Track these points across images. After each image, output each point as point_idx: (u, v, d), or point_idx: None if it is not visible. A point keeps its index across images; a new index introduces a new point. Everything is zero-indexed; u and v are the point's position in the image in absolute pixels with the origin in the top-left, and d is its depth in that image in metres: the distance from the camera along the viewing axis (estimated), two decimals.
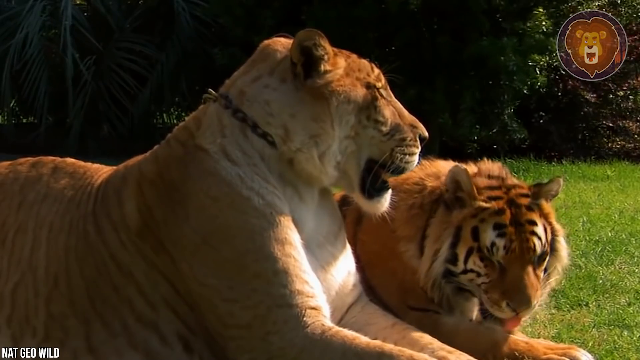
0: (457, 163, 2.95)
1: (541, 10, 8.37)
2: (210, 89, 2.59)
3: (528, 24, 8.33)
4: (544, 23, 8.24)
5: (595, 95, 9.53)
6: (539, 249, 2.73)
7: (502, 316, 2.71)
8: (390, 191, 2.63)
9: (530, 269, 2.70)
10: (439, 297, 2.81)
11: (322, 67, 2.45)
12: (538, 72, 8.39)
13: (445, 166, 3.00)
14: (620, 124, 9.81)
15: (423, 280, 2.79)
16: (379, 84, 2.55)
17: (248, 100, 2.48)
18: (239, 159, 2.42)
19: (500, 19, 8.52)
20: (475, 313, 2.86)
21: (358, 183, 2.54)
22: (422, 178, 2.96)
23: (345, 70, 2.50)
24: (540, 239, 2.73)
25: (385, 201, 2.61)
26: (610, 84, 9.22)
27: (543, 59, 8.21)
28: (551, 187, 2.88)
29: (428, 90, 8.39)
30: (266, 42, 2.61)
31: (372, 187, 2.55)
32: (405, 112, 2.61)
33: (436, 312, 2.83)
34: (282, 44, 2.56)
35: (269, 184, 2.42)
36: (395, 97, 2.67)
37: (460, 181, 2.76)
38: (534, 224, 2.75)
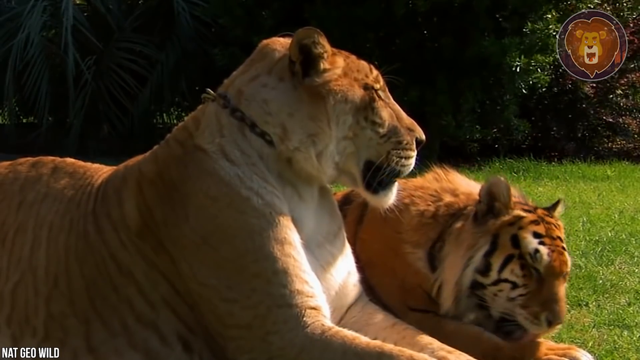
0: (468, 179, 3.01)
1: (553, 12, 8.36)
2: (209, 89, 2.59)
3: (536, 25, 8.31)
4: (551, 25, 8.22)
5: (594, 92, 9.52)
6: (570, 265, 2.74)
7: (536, 330, 2.66)
8: (396, 184, 2.60)
9: (563, 283, 2.71)
10: (460, 311, 2.75)
11: (321, 66, 2.44)
12: (540, 71, 8.38)
13: (462, 183, 3.01)
14: (621, 121, 9.79)
15: (448, 292, 2.73)
16: (377, 86, 2.54)
17: (246, 100, 2.48)
18: (238, 158, 2.42)
19: (502, 20, 8.50)
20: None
21: (361, 180, 2.54)
22: (438, 191, 2.96)
23: (344, 70, 2.50)
24: (569, 255, 2.75)
25: (392, 194, 2.58)
26: (608, 81, 9.21)
27: (547, 59, 8.20)
28: (560, 209, 2.95)
29: (430, 91, 8.39)
30: (265, 41, 2.61)
31: (378, 182, 2.53)
32: (403, 115, 2.60)
33: (436, 313, 2.83)
34: (280, 43, 2.56)
35: (268, 183, 2.42)
36: (397, 98, 2.66)
37: (498, 192, 2.74)
38: (563, 241, 2.78)
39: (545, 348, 2.68)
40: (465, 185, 2.99)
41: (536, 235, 2.71)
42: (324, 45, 2.46)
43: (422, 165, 2.96)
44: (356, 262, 2.75)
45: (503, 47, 8.12)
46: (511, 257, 2.69)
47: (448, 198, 2.92)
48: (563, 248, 2.74)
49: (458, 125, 8.33)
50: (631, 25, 9.48)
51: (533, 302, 2.64)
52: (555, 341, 2.86)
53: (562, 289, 2.69)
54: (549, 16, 8.32)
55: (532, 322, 2.64)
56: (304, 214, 2.50)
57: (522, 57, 8.16)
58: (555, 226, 2.80)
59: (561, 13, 8.58)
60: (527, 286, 2.66)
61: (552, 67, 8.44)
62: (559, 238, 2.77)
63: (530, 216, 2.77)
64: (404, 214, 2.87)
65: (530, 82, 8.41)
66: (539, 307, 2.63)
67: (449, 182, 3.01)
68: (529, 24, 8.33)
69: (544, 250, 2.68)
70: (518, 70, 8.17)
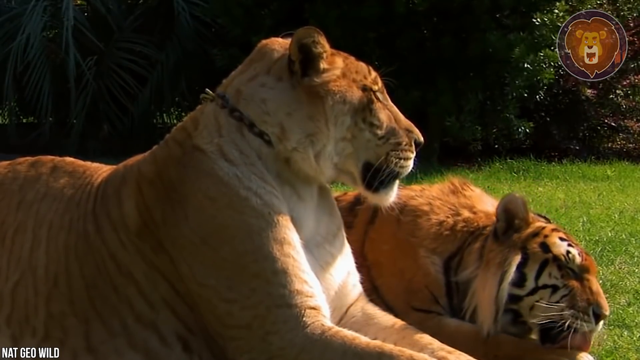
0: (483, 193, 3.06)
1: (562, 3, 8.35)
2: (207, 89, 2.59)
3: (545, 18, 8.29)
4: (561, 18, 8.20)
5: (595, 93, 9.52)
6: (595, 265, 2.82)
7: (586, 328, 2.65)
8: (397, 182, 2.60)
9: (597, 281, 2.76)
10: (499, 328, 2.72)
11: (320, 66, 2.44)
12: (545, 66, 8.36)
13: (479, 200, 3.02)
14: (622, 123, 9.79)
15: (486, 311, 2.71)
16: (375, 87, 2.54)
17: (245, 99, 2.47)
18: (236, 158, 2.42)
19: (503, 18, 8.49)
20: None
21: (361, 181, 2.53)
22: (457, 206, 2.97)
23: (343, 71, 2.49)
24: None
25: (393, 192, 2.58)
26: (609, 80, 9.21)
27: (555, 55, 8.18)
28: None
29: (432, 91, 8.38)
30: (264, 41, 2.61)
31: (379, 181, 2.52)
32: (401, 116, 2.60)
33: (438, 313, 2.83)
34: (279, 43, 2.56)
35: (266, 183, 2.42)
36: (398, 99, 2.66)
37: (514, 209, 2.77)
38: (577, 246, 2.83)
39: (545, 348, 2.68)
40: (483, 203, 3.01)
41: (562, 239, 2.77)
42: (324, 45, 2.46)
43: (423, 166, 2.95)
44: (363, 262, 2.75)
45: (509, 42, 8.11)
46: (546, 262, 2.72)
47: (466, 214, 2.94)
48: (586, 253, 2.82)
49: (460, 126, 8.32)
50: (631, 25, 9.48)
51: (578, 299, 2.66)
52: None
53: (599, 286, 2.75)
54: (557, 11, 8.30)
55: (582, 320, 2.64)
56: (303, 214, 2.50)
57: (529, 53, 8.14)
58: (567, 234, 2.88)
59: (570, 4, 8.57)
60: (567, 286, 2.68)
61: (557, 64, 8.42)
62: (575, 244, 2.83)
63: (550, 225, 2.84)
64: (422, 219, 2.89)
65: (535, 79, 8.38)
66: (586, 303, 2.65)
67: (466, 198, 3.01)
68: (538, 14, 8.31)
69: (574, 250, 2.74)
70: (524, 65, 8.15)
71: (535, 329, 2.72)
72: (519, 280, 2.70)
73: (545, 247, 2.74)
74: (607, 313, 2.70)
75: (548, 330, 2.68)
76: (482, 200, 3.03)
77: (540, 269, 2.71)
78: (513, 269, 2.70)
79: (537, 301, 2.69)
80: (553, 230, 2.81)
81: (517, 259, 2.71)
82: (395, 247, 2.91)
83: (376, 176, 2.51)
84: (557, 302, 2.67)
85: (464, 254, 2.84)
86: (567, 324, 2.63)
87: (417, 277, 2.86)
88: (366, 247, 2.91)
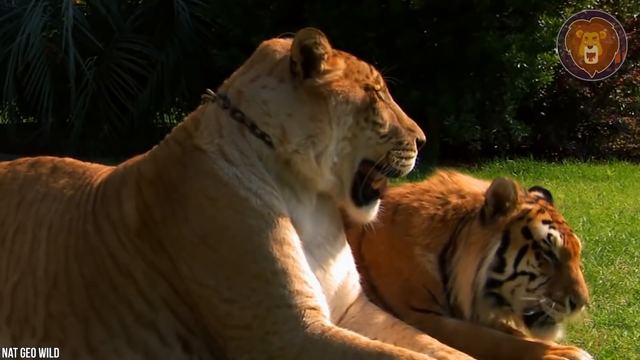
0: (471, 178, 3.04)
1: (572, 9, 8.36)
2: (209, 89, 2.59)
3: (549, 21, 8.29)
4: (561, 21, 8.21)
5: (593, 92, 9.53)
6: (581, 245, 2.79)
7: (561, 316, 2.68)
8: (379, 201, 2.61)
9: (578, 265, 2.75)
10: (477, 311, 2.75)
11: (322, 67, 2.45)
12: (543, 69, 8.36)
13: (466, 183, 3.02)
14: (620, 121, 9.79)
15: (464, 295, 2.75)
16: (377, 86, 2.54)
17: (246, 101, 2.47)
18: (237, 159, 2.42)
19: (504, 18, 8.49)
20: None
21: (349, 188, 2.53)
22: (444, 193, 2.97)
23: (345, 71, 2.50)
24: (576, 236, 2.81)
25: (374, 211, 2.59)
26: (608, 80, 9.22)
27: (554, 57, 8.18)
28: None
29: (431, 91, 8.38)
30: (265, 42, 2.61)
31: (364, 194, 2.54)
32: (404, 115, 2.60)
33: (437, 313, 2.83)
34: (281, 44, 2.56)
35: (266, 184, 2.42)
36: (398, 98, 2.66)
37: (505, 192, 2.77)
38: (567, 224, 2.82)
39: (545, 348, 2.68)
40: (470, 186, 3.01)
41: (545, 222, 2.76)
42: (325, 46, 2.46)
43: (423, 165, 2.96)
44: (361, 263, 2.75)
45: (507, 43, 8.11)
46: (525, 248, 2.72)
47: (455, 200, 2.94)
48: (570, 230, 2.80)
49: (459, 126, 8.32)
50: (627, 22, 9.48)
51: (555, 288, 2.67)
52: (555, 341, 2.86)
53: (580, 271, 2.73)
54: (565, 15, 8.30)
55: (556, 309, 2.65)
56: (303, 215, 2.50)
57: (528, 56, 8.14)
58: (557, 213, 2.87)
59: (572, 5, 8.58)
60: (545, 274, 2.69)
61: (555, 66, 8.42)
62: (564, 222, 2.83)
63: (535, 207, 2.81)
64: (413, 217, 2.89)
65: (533, 81, 8.39)
66: (562, 292, 2.66)
67: (454, 183, 3.02)
68: (545, 15, 8.31)
69: (556, 233, 2.73)
70: (520, 66, 8.15)
71: (519, 314, 2.73)
72: (499, 265, 2.72)
73: (527, 232, 2.73)
74: (586, 301, 2.69)
75: (530, 316, 2.70)
76: (469, 183, 3.04)
77: (519, 255, 2.71)
78: (492, 254, 2.72)
79: (518, 286, 2.71)
80: (538, 212, 2.78)
81: (497, 244, 2.73)
82: (392, 247, 2.91)
83: (369, 185, 2.52)
84: (535, 289, 2.68)
85: (457, 242, 2.85)
86: (544, 313, 2.65)
87: (414, 276, 2.87)
88: (363, 247, 2.92)
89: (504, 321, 2.88)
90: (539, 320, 2.70)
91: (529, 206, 2.80)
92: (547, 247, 2.71)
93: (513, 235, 2.74)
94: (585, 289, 2.68)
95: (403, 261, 2.89)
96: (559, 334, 2.74)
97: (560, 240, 2.71)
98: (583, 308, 2.72)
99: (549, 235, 2.72)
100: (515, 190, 2.80)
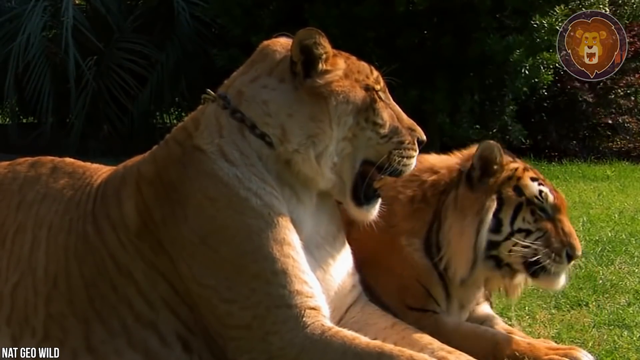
0: (436, 154, 3.05)
1: (562, 7, 8.36)
2: (209, 90, 2.58)
3: (544, 20, 8.29)
4: (560, 21, 8.19)
5: (593, 93, 9.53)
6: (581, 245, 2.82)
7: (559, 268, 2.72)
8: (380, 200, 2.62)
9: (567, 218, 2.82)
10: (475, 276, 2.78)
11: (322, 67, 2.44)
12: (543, 69, 8.36)
13: (436, 160, 3.03)
14: (620, 121, 9.80)
15: (462, 259, 2.77)
16: (377, 87, 2.54)
17: (246, 101, 2.47)
18: (237, 159, 2.42)
19: (504, 18, 8.48)
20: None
21: (350, 188, 2.53)
22: (417, 174, 2.96)
23: (345, 71, 2.49)
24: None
25: (375, 210, 2.60)
26: (608, 81, 9.22)
27: (553, 57, 8.17)
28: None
29: (430, 90, 8.38)
30: (265, 42, 2.61)
31: (364, 194, 2.54)
32: (404, 115, 2.60)
33: (435, 312, 2.83)
34: (281, 44, 2.56)
35: (266, 184, 2.41)
36: (397, 98, 2.66)
37: (491, 156, 2.79)
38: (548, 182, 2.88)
39: (546, 348, 2.68)
40: (441, 161, 3.03)
41: (533, 179, 2.82)
42: (325, 46, 2.46)
43: None
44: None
45: (507, 45, 8.11)
46: (520, 206, 2.76)
47: (430, 177, 2.94)
48: (554, 186, 2.88)
49: (456, 125, 8.32)
50: (626, 22, 9.48)
51: (555, 239, 2.73)
52: (555, 341, 2.86)
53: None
54: (557, 14, 8.30)
55: (554, 260, 2.71)
56: (303, 216, 2.49)
57: (528, 56, 8.14)
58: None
59: (569, 8, 8.56)
60: (540, 229, 2.74)
61: (555, 66, 8.42)
62: (546, 180, 2.90)
63: (520, 165, 2.86)
64: (393, 205, 2.87)
65: (533, 81, 8.39)
66: (560, 244, 2.72)
67: (423, 162, 3.02)
68: (538, 16, 8.31)
69: (545, 189, 2.79)
70: (520, 67, 8.16)
71: (520, 268, 2.76)
72: (496, 226, 2.75)
73: (519, 190, 2.77)
74: (580, 253, 2.77)
75: (531, 264, 2.73)
76: (438, 158, 3.06)
77: (514, 213, 2.75)
78: (490, 216, 2.75)
79: (515, 245, 2.74)
80: (524, 170, 2.84)
81: (494, 205, 2.76)
82: (379, 243, 2.87)
83: (370, 185, 2.52)
84: (532, 244, 2.72)
85: (441, 215, 2.85)
86: (542, 263, 2.71)
87: (406, 272, 2.84)
88: (351, 248, 2.90)
89: (498, 287, 2.91)
90: (540, 268, 2.72)
91: (515, 165, 2.85)
92: (540, 203, 2.76)
93: (506, 195, 2.77)
94: (578, 242, 2.76)
95: (393, 257, 2.87)
96: (563, 282, 2.78)
97: (551, 196, 2.78)
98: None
99: (540, 191, 2.77)
100: (501, 152, 2.82)
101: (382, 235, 2.83)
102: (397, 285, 2.86)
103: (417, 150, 2.59)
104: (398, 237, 2.87)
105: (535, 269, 2.73)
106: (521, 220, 2.75)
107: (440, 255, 2.83)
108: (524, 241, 2.71)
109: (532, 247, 2.71)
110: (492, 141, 2.86)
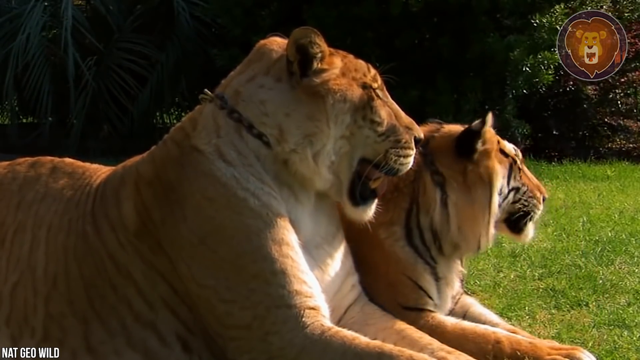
0: None
1: (562, 6, 8.36)
2: (207, 90, 2.58)
3: (544, 19, 8.29)
4: (560, 20, 8.19)
5: (595, 92, 9.53)
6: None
7: (540, 211, 2.95)
8: (376, 200, 2.60)
9: None
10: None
11: (319, 66, 2.44)
12: (544, 69, 8.36)
13: None
14: (621, 122, 9.80)
15: (484, 231, 2.82)
16: (375, 85, 2.53)
17: (243, 101, 2.47)
18: (234, 159, 2.42)
19: (503, 19, 8.48)
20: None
21: (347, 187, 2.52)
22: None
23: (342, 70, 2.49)
24: None
25: (371, 210, 2.58)
26: (609, 80, 9.22)
27: (554, 56, 8.17)
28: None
29: (430, 91, 8.38)
30: (262, 41, 2.60)
31: (361, 193, 2.53)
32: (402, 114, 2.59)
33: (431, 311, 2.81)
34: (277, 43, 2.55)
35: (264, 184, 2.41)
36: (397, 98, 2.66)
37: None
38: None
39: (548, 348, 2.66)
40: None
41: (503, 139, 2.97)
42: (321, 45, 2.45)
43: None
44: None
45: (508, 45, 8.11)
46: (511, 166, 2.91)
47: None
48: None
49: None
50: (627, 23, 9.48)
51: (534, 190, 2.95)
52: (556, 341, 2.85)
53: None
54: (557, 13, 8.29)
55: (538, 207, 2.94)
56: (301, 215, 2.49)
57: (529, 54, 8.13)
58: None
59: (569, 7, 8.56)
60: (525, 183, 2.95)
61: (556, 65, 8.41)
62: None
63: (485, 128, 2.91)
64: None
65: (534, 81, 8.38)
66: (538, 192, 2.97)
67: None
68: (538, 15, 8.30)
69: (512, 146, 2.98)
70: (524, 69, 8.16)
71: (502, 226, 2.93)
72: (499, 190, 2.87)
73: (503, 152, 2.91)
74: (547, 196, 3.03)
75: (515, 220, 2.93)
76: None
77: (509, 174, 2.90)
78: (500, 181, 2.85)
79: (507, 204, 2.90)
80: (492, 134, 2.92)
81: (502, 171, 2.86)
82: (359, 242, 2.84)
83: (367, 184, 2.51)
84: (521, 198, 2.92)
85: (419, 199, 2.84)
86: (530, 214, 2.93)
87: (391, 268, 2.81)
88: None
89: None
90: (524, 221, 2.93)
91: (489, 131, 2.91)
92: (517, 159, 2.92)
93: (499, 159, 2.88)
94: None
95: (376, 254, 2.83)
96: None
97: (519, 154, 2.96)
98: None
99: (514, 148, 2.95)
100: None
101: (360, 233, 2.79)
102: (384, 284, 2.82)
103: (415, 149, 2.58)
104: (377, 231, 2.80)
105: (522, 223, 2.91)
106: (514, 179, 2.90)
107: (451, 234, 2.83)
108: (513, 199, 2.88)
109: (523, 201, 2.89)
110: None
